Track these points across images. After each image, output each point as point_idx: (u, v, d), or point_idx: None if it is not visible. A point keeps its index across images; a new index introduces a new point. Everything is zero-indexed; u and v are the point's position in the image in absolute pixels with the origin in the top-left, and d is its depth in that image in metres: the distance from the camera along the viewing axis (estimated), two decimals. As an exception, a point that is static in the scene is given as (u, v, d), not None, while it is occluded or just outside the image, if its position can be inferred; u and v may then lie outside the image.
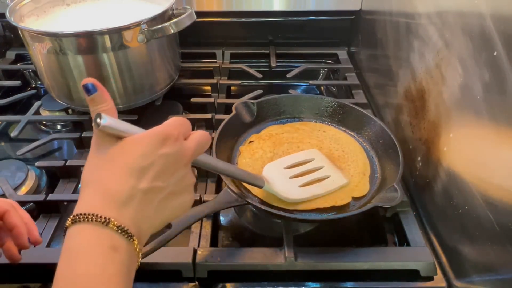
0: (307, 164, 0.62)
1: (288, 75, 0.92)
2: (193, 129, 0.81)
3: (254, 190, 0.59)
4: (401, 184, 0.65)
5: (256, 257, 0.53)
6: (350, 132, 0.71)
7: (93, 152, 0.38)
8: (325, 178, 0.61)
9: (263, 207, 0.54)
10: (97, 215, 0.33)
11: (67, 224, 0.34)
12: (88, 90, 0.37)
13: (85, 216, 0.34)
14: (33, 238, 0.47)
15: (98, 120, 0.35)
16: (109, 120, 0.36)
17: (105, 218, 0.33)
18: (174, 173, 0.38)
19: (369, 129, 0.69)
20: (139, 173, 0.36)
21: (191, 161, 0.41)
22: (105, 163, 0.36)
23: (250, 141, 0.68)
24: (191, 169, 0.41)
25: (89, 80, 0.37)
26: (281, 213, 0.54)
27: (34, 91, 0.92)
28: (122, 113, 0.78)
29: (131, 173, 0.36)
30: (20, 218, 0.46)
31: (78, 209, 0.35)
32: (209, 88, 0.93)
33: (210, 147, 0.67)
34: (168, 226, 0.49)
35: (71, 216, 0.34)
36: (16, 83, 0.90)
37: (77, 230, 0.34)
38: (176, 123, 0.40)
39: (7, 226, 0.46)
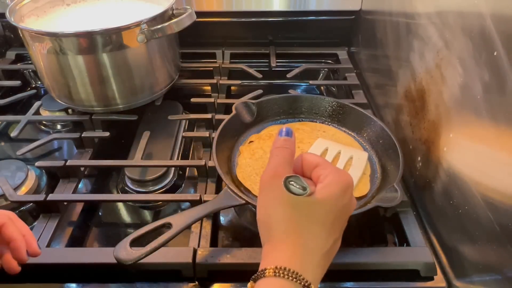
0: (328, 155, 0.63)
1: (288, 75, 0.92)
2: (192, 129, 0.82)
3: (255, 190, 0.59)
4: (401, 184, 0.65)
5: (256, 257, 0.53)
6: (350, 132, 0.71)
7: (271, 195, 0.38)
8: (350, 159, 0.62)
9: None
10: (299, 276, 0.33)
11: (266, 274, 0.34)
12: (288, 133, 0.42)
13: (289, 273, 0.33)
14: (31, 250, 0.46)
15: (296, 186, 0.36)
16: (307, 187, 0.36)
17: (306, 281, 0.33)
18: (346, 222, 0.40)
19: (369, 129, 0.69)
20: (329, 229, 0.37)
21: None
22: (294, 215, 0.36)
23: (250, 141, 0.68)
24: None
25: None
26: None
27: (34, 91, 0.92)
28: (122, 113, 0.78)
29: (323, 229, 0.36)
30: (18, 231, 0.45)
31: (278, 261, 0.34)
32: (209, 88, 0.93)
33: (210, 147, 0.67)
34: (168, 226, 0.49)
35: (274, 267, 0.34)
36: (16, 83, 0.90)
37: (279, 284, 0.33)
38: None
39: (4, 239, 0.44)
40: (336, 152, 0.63)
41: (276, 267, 0.33)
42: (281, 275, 0.33)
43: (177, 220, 0.50)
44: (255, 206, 0.55)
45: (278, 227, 0.37)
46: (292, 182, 0.36)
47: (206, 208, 0.53)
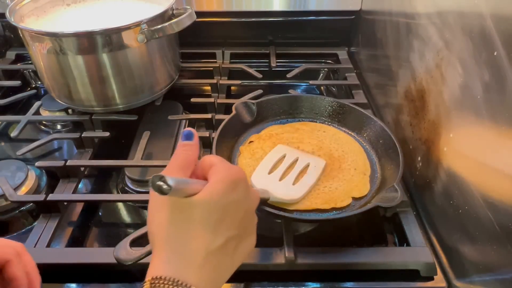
0: (284, 161, 0.63)
1: (288, 75, 0.92)
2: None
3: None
4: (401, 184, 0.65)
5: (256, 257, 0.53)
6: (350, 132, 0.71)
7: (159, 201, 0.37)
8: (306, 166, 0.62)
9: (261, 206, 0.54)
10: (177, 281, 0.32)
11: (144, 287, 0.33)
12: (188, 137, 0.41)
13: (166, 282, 0.32)
14: None
15: (161, 184, 0.33)
16: (174, 185, 0.33)
17: (185, 284, 0.32)
18: (244, 218, 0.38)
19: (369, 129, 0.69)
20: (214, 228, 0.35)
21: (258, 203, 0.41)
22: (177, 219, 0.35)
23: (250, 141, 0.68)
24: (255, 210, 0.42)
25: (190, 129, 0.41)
26: (281, 213, 0.54)
27: (34, 91, 0.92)
28: (122, 113, 0.78)
29: (206, 229, 0.35)
30: (22, 270, 0.42)
31: (155, 271, 0.34)
32: (209, 88, 0.93)
33: (210, 147, 0.67)
34: None
35: (150, 279, 0.33)
36: (16, 83, 0.90)
37: None
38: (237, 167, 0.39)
39: (7, 277, 0.42)
40: (293, 159, 0.63)
41: (152, 278, 0.33)
42: (157, 285, 0.32)
43: None
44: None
45: (159, 234, 0.36)
46: (161, 182, 0.33)
47: None
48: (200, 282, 0.34)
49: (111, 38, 0.69)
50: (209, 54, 1.01)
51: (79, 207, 0.64)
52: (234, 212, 0.37)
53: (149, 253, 0.46)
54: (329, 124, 0.73)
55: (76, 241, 0.60)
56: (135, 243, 0.47)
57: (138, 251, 0.46)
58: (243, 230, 0.38)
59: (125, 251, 0.46)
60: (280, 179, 0.60)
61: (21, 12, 0.75)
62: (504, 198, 0.42)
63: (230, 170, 0.38)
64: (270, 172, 0.61)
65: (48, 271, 0.53)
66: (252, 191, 0.40)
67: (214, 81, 0.91)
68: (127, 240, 0.47)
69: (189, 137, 0.41)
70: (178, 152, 0.40)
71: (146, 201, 0.65)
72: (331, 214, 0.57)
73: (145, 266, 0.52)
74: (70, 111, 0.83)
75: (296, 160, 0.63)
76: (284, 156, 0.63)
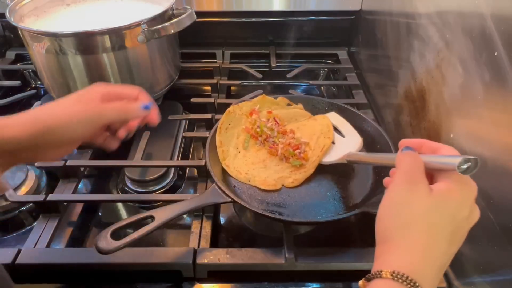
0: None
1: (288, 75, 0.92)
2: (192, 129, 0.82)
3: (255, 181, 0.61)
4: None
5: (256, 257, 0.53)
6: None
7: (407, 199, 0.36)
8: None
9: (247, 206, 0.54)
10: (415, 283, 0.32)
11: (383, 275, 0.33)
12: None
13: (407, 281, 0.32)
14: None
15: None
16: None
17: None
18: (465, 235, 0.37)
19: (366, 133, 0.68)
20: (448, 240, 0.35)
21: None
22: (419, 221, 0.35)
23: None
24: None
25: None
26: (279, 217, 0.54)
27: (34, 91, 0.92)
28: (122, 113, 0.78)
29: (444, 240, 0.35)
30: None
31: (394, 264, 0.33)
32: (209, 88, 0.93)
33: (204, 146, 0.67)
34: (151, 217, 0.49)
35: (391, 270, 0.33)
36: (16, 83, 0.90)
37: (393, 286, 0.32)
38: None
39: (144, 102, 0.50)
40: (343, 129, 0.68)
41: (394, 271, 0.33)
42: (399, 280, 0.32)
43: (160, 214, 0.50)
44: (241, 205, 0.55)
45: (401, 231, 0.35)
46: (464, 166, 0.34)
47: (190, 203, 0.53)
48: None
49: (111, 38, 0.68)
50: (209, 54, 1.01)
51: (79, 207, 0.64)
52: (465, 225, 0.37)
53: (128, 243, 0.47)
54: None
55: (76, 241, 0.60)
56: (115, 234, 0.47)
57: (117, 242, 0.46)
58: (460, 246, 0.37)
59: (105, 241, 0.46)
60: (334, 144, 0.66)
61: (21, 12, 0.75)
62: (504, 199, 0.42)
63: (471, 183, 0.37)
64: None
65: (48, 271, 0.53)
66: (476, 206, 0.38)
67: (214, 81, 0.91)
68: (108, 230, 0.47)
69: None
70: (410, 153, 0.39)
71: (146, 201, 0.66)
72: (328, 216, 0.56)
73: (146, 267, 0.52)
74: (70, 111, 0.83)
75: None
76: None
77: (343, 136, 0.67)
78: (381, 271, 0.33)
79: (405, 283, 0.32)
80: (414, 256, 0.34)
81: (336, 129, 0.68)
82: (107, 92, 0.48)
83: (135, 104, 0.50)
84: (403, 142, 0.41)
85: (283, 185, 0.61)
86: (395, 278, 0.32)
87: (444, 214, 0.35)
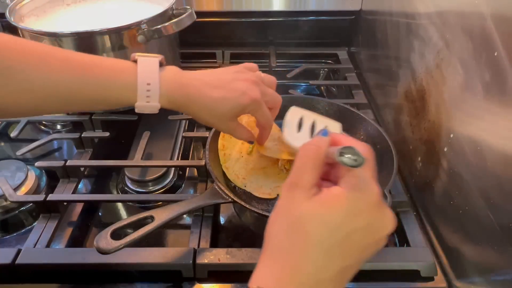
0: (304, 124, 0.62)
1: (288, 75, 0.92)
2: (192, 129, 0.82)
3: (236, 182, 0.61)
4: (401, 184, 0.65)
5: (256, 257, 0.52)
6: (344, 133, 0.71)
7: (284, 208, 0.33)
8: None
9: (247, 206, 0.54)
10: None
11: None
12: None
13: None
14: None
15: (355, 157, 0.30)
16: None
17: None
18: (371, 245, 0.32)
19: (363, 130, 0.68)
20: (331, 252, 0.30)
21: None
22: (294, 232, 0.31)
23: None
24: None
25: None
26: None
27: (34, 91, 0.92)
28: (122, 113, 0.78)
29: (321, 251, 0.30)
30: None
31: (263, 280, 0.31)
32: (209, 88, 0.93)
33: (204, 146, 0.67)
34: (151, 217, 0.49)
35: (256, 286, 0.30)
36: (16, 83, 0.90)
37: None
38: (374, 167, 0.33)
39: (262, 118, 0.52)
40: (310, 121, 0.61)
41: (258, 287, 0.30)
42: None
43: (160, 214, 0.50)
44: (241, 205, 0.55)
45: (274, 242, 0.32)
46: (348, 155, 0.30)
47: (190, 203, 0.53)
48: None
49: (111, 38, 0.68)
50: (209, 54, 1.01)
51: (79, 207, 0.64)
52: (361, 238, 0.31)
53: (128, 244, 0.46)
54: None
55: (76, 241, 0.60)
56: (115, 234, 0.47)
57: (117, 242, 0.46)
58: (364, 259, 0.33)
59: (105, 241, 0.46)
60: (311, 137, 0.59)
61: (21, 12, 0.75)
62: (505, 199, 0.42)
63: (368, 184, 0.32)
64: (297, 131, 0.60)
65: (48, 271, 0.53)
66: (388, 213, 0.33)
67: (214, 81, 0.90)
68: (108, 230, 0.47)
69: (325, 133, 0.35)
70: (309, 144, 0.34)
71: (146, 201, 0.66)
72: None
73: (145, 267, 0.52)
74: (70, 111, 0.83)
75: (313, 122, 0.61)
76: (301, 119, 0.62)
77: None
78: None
79: None
80: (283, 271, 0.30)
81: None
82: (259, 80, 0.51)
83: None
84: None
85: (278, 194, 0.60)
86: None
87: (322, 224, 0.30)
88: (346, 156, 0.30)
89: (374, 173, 0.34)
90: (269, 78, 0.56)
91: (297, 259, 0.30)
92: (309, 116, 0.63)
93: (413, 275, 0.53)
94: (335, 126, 0.62)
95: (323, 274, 0.30)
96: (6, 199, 0.61)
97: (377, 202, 0.32)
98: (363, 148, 0.32)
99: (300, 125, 0.60)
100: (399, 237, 0.60)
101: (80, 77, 0.43)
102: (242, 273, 0.53)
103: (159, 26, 0.70)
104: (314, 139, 0.35)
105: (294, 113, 0.63)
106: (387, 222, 0.33)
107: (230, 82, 0.49)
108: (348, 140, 0.35)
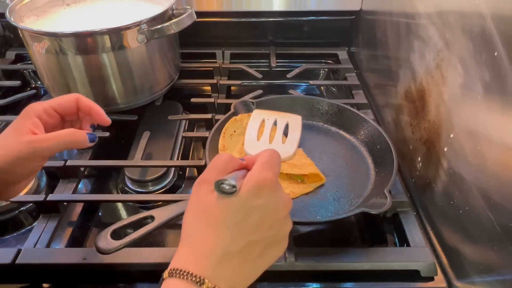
0: (266, 126, 0.68)
1: (288, 75, 0.92)
2: (192, 129, 0.82)
3: None
4: (401, 184, 0.65)
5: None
6: (347, 134, 0.71)
7: (193, 201, 0.38)
8: (286, 125, 0.67)
9: None
10: (191, 274, 0.33)
11: (164, 276, 0.35)
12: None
13: (181, 273, 0.34)
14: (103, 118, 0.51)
15: (225, 187, 0.35)
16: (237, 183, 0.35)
17: (199, 277, 0.33)
18: (273, 224, 0.37)
19: (366, 133, 0.69)
20: (234, 230, 0.35)
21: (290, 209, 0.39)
22: (201, 218, 0.36)
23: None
24: (289, 216, 0.40)
25: None
26: None
27: (34, 91, 0.92)
28: (122, 113, 0.78)
29: (226, 229, 0.35)
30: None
31: (175, 263, 0.35)
32: (209, 88, 0.93)
33: (204, 146, 0.67)
34: (151, 217, 0.49)
35: (168, 269, 0.35)
36: (16, 83, 0.90)
37: (173, 284, 0.34)
38: (271, 160, 0.38)
39: (84, 108, 0.50)
40: (273, 120, 0.68)
41: (170, 269, 0.34)
42: (174, 275, 0.34)
43: (160, 214, 0.50)
44: None
45: (184, 228, 0.37)
46: (225, 184, 0.35)
47: None
48: (215, 279, 0.34)
49: (111, 38, 0.68)
50: (209, 54, 1.01)
51: (79, 207, 0.64)
52: (260, 216, 0.36)
53: (128, 243, 0.47)
54: (328, 125, 0.73)
55: (76, 241, 0.60)
56: (115, 234, 0.47)
57: (117, 242, 0.46)
58: (270, 236, 0.37)
59: (105, 241, 0.46)
60: (270, 142, 0.65)
61: (21, 12, 0.75)
62: (505, 199, 0.42)
63: (261, 172, 0.37)
64: (258, 139, 0.65)
65: (48, 271, 0.53)
66: (283, 196, 0.38)
67: (214, 81, 0.90)
68: (108, 230, 0.47)
69: None
70: (218, 154, 0.40)
71: (146, 201, 0.66)
72: (326, 217, 0.57)
73: (146, 267, 0.52)
74: (70, 111, 0.83)
75: (275, 121, 0.68)
76: (263, 120, 0.68)
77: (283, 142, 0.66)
78: (163, 272, 0.35)
79: (178, 275, 0.33)
80: (194, 250, 0.35)
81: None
82: (43, 111, 0.46)
83: (77, 135, 0.47)
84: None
85: None
86: (171, 275, 0.34)
87: (225, 207, 0.35)
88: (223, 185, 0.35)
89: (274, 165, 0.39)
90: None
91: (206, 239, 0.35)
92: (271, 116, 0.68)
93: (413, 275, 0.53)
94: (296, 120, 0.68)
95: (230, 247, 0.35)
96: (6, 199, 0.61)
97: (271, 186, 0.37)
98: (264, 154, 0.39)
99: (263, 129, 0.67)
100: (399, 237, 0.60)
101: None
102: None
103: (159, 26, 0.70)
104: (228, 155, 0.39)
105: (255, 119, 0.68)
106: (283, 202, 0.38)
107: None
108: (257, 156, 0.40)
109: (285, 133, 0.68)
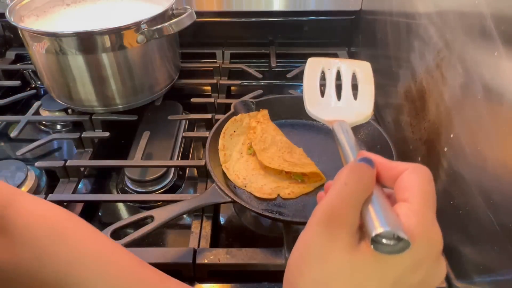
0: (328, 78, 0.52)
1: (288, 75, 0.92)
2: (192, 129, 0.82)
3: (251, 187, 0.60)
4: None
5: (256, 257, 0.53)
6: None
7: (314, 246, 0.26)
8: (353, 75, 0.52)
9: (247, 206, 0.54)
10: None
11: None
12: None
13: None
14: None
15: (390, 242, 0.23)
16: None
17: None
18: None
19: (363, 130, 0.68)
20: None
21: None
22: (331, 283, 0.25)
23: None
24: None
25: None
26: (280, 217, 0.54)
27: (34, 91, 0.92)
28: (122, 113, 0.78)
29: None
30: None
31: None
32: (209, 88, 0.93)
33: (204, 146, 0.67)
34: (151, 217, 0.49)
35: None
36: (16, 83, 0.90)
37: None
38: (433, 200, 0.25)
39: None
40: (335, 70, 0.51)
41: None
42: None
43: (159, 214, 0.50)
44: (241, 205, 0.55)
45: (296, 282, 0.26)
46: (387, 237, 0.23)
47: (190, 203, 0.53)
48: None
49: (111, 38, 0.68)
50: (209, 54, 1.01)
51: (79, 207, 0.64)
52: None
53: (128, 244, 0.46)
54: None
55: (76, 241, 0.60)
56: (115, 234, 0.47)
57: (117, 242, 0.46)
58: None
59: None
60: (339, 100, 0.49)
61: (21, 12, 0.75)
62: (505, 199, 0.41)
63: (432, 229, 0.25)
64: (322, 95, 0.50)
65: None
66: (442, 265, 0.27)
67: (214, 81, 0.90)
68: (108, 230, 0.47)
69: (370, 162, 0.28)
70: (354, 171, 0.27)
71: (146, 201, 0.66)
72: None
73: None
74: (69, 111, 0.83)
75: (338, 70, 0.52)
76: (323, 71, 0.52)
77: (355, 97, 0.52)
78: None
79: None
80: None
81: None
82: None
83: None
84: (362, 153, 0.30)
85: (278, 195, 0.60)
86: None
87: (373, 283, 0.25)
88: (383, 241, 0.23)
89: (435, 212, 0.26)
90: None
91: None
92: (332, 66, 0.51)
93: (413, 275, 0.53)
94: (364, 67, 0.52)
95: None
96: (6, 199, 0.61)
97: (439, 252, 0.26)
98: (418, 186, 0.25)
99: (323, 84, 0.50)
100: (399, 237, 0.59)
101: None
102: (242, 273, 0.53)
103: (159, 26, 0.70)
104: (365, 167, 0.27)
105: (312, 69, 0.52)
106: (441, 273, 0.27)
107: None
108: (400, 170, 0.27)
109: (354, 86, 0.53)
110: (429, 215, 0.25)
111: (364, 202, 0.25)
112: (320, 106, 0.48)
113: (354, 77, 0.51)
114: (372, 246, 0.23)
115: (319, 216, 0.25)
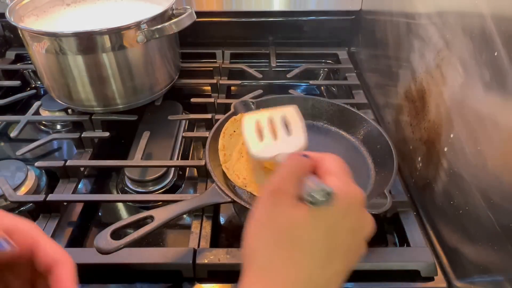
0: (263, 126, 0.56)
1: (288, 75, 0.92)
2: (192, 129, 0.82)
3: (251, 187, 0.60)
4: (401, 184, 0.65)
5: (256, 257, 0.53)
6: (347, 134, 0.71)
7: (266, 217, 0.31)
8: (283, 118, 0.56)
9: (247, 206, 0.54)
10: None
11: None
12: None
13: None
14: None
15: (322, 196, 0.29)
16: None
17: None
18: (357, 248, 0.32)
19: (363, 130, 0.68)
20: (324, 256, 0.30)
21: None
22: (282, 239, 0.29)
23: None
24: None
25: None
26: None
27: (34, 91, 0.92)
28: (122, 113, 0.78)
29: (317, 251, 0.29)
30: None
31: None
32: (209, 88, 0.93)
33: (204, 146, 0.67)
34: (151, 217, 0.49)
35: None
36: (16, 83, 0.90)
37: None
38: (346, 169, 0.33)
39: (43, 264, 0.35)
40: (266, 119, 0.56)
41: None
42: None
43: (159, 214, 0.50)
44: (241, 205, 0.54)
45: (258, 256, 0.30)
46: (317, 192, 0.30)
47: (190, 203, 0.53)
48: None
49: (111, 38, 0.68)
50: (209, 54, 1.01)
51: (78, 207, 0.64)
52: (346, 240, 0.31)
53: (128, 243, 0.46)
54: (328, 125, 0.73)
55: (76, 241, 0.60)
56: (115, 234, 0.47)
57: (117, 242, 0.46)
58: (350, 264, 0.32)
59: (105, 241, 0.46)
60: (275, 139, 0.54)
61: (20, 12, 0.75)
62: (505, 199, 0.42)
63: (350, 187, 0.32)
64: (261, 140, 0.55)
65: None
66: (367, 216, 0.33)
67: (214, 81, 0.90)
68: (108, 230, 0.47)
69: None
70: (294, 157, 0.33)
71: (146, 201, 0.66)
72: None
73: (145, 267, 0.52)
74: (69, 111, 0.83)
75: (271, 119, 0.56)
76: (257, 122, 0.57)
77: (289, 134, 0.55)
78: None
79: None
80: (275, 285, 0.28)
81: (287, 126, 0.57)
82: None
83: None
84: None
85: None
86: None
87: (313, 230, 0.29)
88: (314, 194, 0.30)
89: (350, 177, 0.34)
90: None
91: (289, 271, 0.29)
92: (263, 116, 0.57)
93: (413, 275, 0.53)
94: (291, 111, 0.57)
95: (317, 280, 0.29)
96: (6, 199, 0.61)
97: (361, 204, 0.32)
98: (334, 164, 0.33)
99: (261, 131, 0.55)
100: (399, 237, 0.60)
101: None
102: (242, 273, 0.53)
103: (159, 26, 0.70)
104: (298, 156, 0.34)
105: (248, 124, 0.57)
106: (368, 223, 0.33)
107: None
108: (321, 158, 0.34)
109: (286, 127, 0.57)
110: (346, 178, 0.32)
111: (302, 181, 0.32)
112: (261, 148, 0.55)
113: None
114: (307, 203, 0.30)
115: (266, 192, 0.32)
